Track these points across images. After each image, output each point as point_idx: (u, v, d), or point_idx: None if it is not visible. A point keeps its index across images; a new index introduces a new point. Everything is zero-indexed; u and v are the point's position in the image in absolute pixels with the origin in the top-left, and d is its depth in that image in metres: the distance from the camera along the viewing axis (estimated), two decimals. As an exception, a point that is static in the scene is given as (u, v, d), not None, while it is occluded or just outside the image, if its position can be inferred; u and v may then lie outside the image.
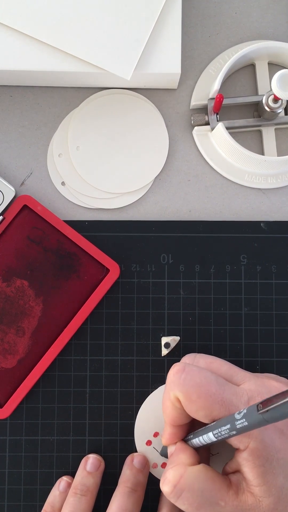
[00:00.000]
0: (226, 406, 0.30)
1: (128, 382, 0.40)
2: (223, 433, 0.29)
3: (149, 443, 0.39)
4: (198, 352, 0.38)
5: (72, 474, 0.39)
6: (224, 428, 0.29)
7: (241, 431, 0.28)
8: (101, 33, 0.38)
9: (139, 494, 0.37)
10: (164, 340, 0.39)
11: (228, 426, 0.28)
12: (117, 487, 0.37)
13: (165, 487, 0.31)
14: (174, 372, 0.32)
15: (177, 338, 0.40)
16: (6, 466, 0.39)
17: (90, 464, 0.38)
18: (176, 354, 0.40)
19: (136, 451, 0.39)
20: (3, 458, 0.39)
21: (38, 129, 0.42)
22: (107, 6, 0.39)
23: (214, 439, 0.30)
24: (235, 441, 0.30)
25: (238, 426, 0.27)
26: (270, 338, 0.40)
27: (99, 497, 0.38)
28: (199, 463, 0.32)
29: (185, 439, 0.34)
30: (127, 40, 0.38)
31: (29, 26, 0.38)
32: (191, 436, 0.33)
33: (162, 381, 0.40)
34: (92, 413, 0.40)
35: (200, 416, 0.31)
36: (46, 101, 0.42)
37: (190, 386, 0.31)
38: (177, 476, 0.31)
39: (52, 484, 0.39)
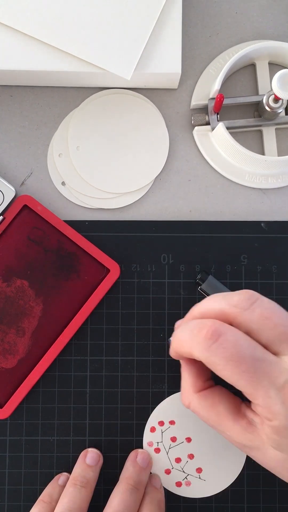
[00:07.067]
0: (255, 383, 0.28)
1: (128, 382, 0.40)
2: None
3: (153, 429, 0.39)
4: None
5: (72, 474, 0.39)
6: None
7: None
8: (101, 33, 0.38)
9: (140, 492, 0.37)
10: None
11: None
12: (119, 482, 0.37)
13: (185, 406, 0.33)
14: (205, 335, 0.29)
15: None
16: (6, 466, 0.39)
17: (90, 457, 0.38)
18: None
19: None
20: (3, 458, 0.39)
21: (38, 129, 0.42)
22: (107, 6, 0.39)
23: None
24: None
25: None
26: (271, 338, 0.40)
27: (99, 496, 0.38)
28: (209, 379, 0.33)
29: None
30: (127, 40, 0.38)
31: (29, 26, 0.38)
32: None
33: (162, 381, 0.40)
34: (92, 413, 0.39)
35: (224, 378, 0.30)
36: (46, 101, 0.42)
37: (220, 358, 0.28)
38: (186, 403, 0.33)
39: (52, 484, 0.39)
